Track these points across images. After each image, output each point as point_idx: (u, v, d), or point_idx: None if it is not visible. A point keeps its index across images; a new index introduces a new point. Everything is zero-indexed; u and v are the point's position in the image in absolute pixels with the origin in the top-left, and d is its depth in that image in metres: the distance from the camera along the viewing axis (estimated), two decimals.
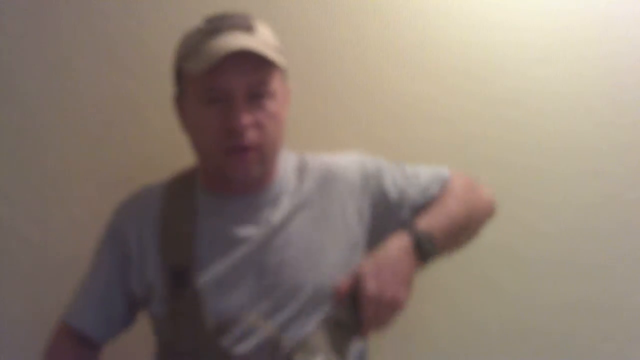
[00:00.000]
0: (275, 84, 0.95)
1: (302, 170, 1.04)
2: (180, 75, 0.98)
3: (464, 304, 1.33)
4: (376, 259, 0.92)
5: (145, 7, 1.27)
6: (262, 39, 0.94)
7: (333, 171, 1.03)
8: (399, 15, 1.33)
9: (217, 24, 0.93)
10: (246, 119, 0.91)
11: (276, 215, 0.98)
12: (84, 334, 1.03)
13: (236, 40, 0.91)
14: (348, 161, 1.05)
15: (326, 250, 0.97)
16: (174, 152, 1.26)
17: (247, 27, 0.94)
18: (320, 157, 1.06)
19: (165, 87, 1.26)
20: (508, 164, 1.34)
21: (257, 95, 0.93)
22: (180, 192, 1.02)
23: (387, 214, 1.02)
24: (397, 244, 0.93)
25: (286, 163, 1.04)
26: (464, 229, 1.01)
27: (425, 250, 0.93)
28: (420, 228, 0.95)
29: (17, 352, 1.22)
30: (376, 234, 1.00)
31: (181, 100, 1.00)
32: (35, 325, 1.17)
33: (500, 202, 1.34)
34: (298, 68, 1.30)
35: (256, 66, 0.92)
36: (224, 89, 0.92)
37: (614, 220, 1.35)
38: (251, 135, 0.92)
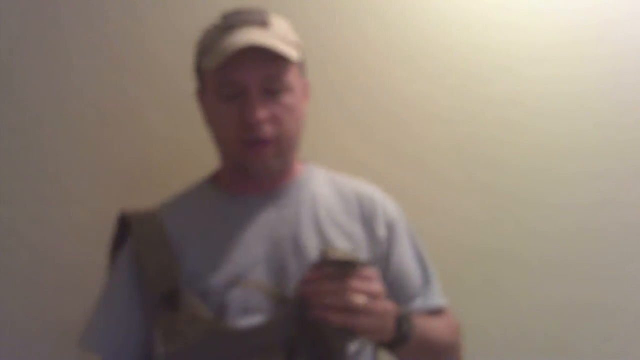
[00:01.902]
0: (291, 77, 0.96)
1: (330, 184, 1.04)
2: (200, 71, 1.00)
3: (464, 304, 1.33)
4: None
5: (145, 7, 1.27)
6: (277, 34, 0.95)
7: (370, 201, 1.03)
8: (400, 16, 1.33)
9: (232, 20, 0.95)
10: (261, 113, 0.92)
11: (294, 213, 0.98)
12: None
13: (248, 36, 0.92)
14: (387, 202, 1.06)
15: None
16: (173, 152, 1.26)
17: (261, 22, 0.94)
18: (351, 180, 1.07)
19: (165, 87, 1.27)
20: (508, 164, 1.34)
21: (272, 89, 0.94)
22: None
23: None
24: (390, 304, 0.89)
25: (312, 171, 1.05)
26: (433, 354, 1.00)
27: (401, 329, 0.90)
28: (408, 313, 0.93)
29: (16, 353, 1.22)
30: None
31: (202, 95, 1.02)
32: (35, 326, 1.17)
33: (500, 202, 1.34)
34: None
35: (270, 60, 0.93)
36: (238, 84, 0.93)
37: (614, 220, 1.35)
38: (267, 129, 0.93)
